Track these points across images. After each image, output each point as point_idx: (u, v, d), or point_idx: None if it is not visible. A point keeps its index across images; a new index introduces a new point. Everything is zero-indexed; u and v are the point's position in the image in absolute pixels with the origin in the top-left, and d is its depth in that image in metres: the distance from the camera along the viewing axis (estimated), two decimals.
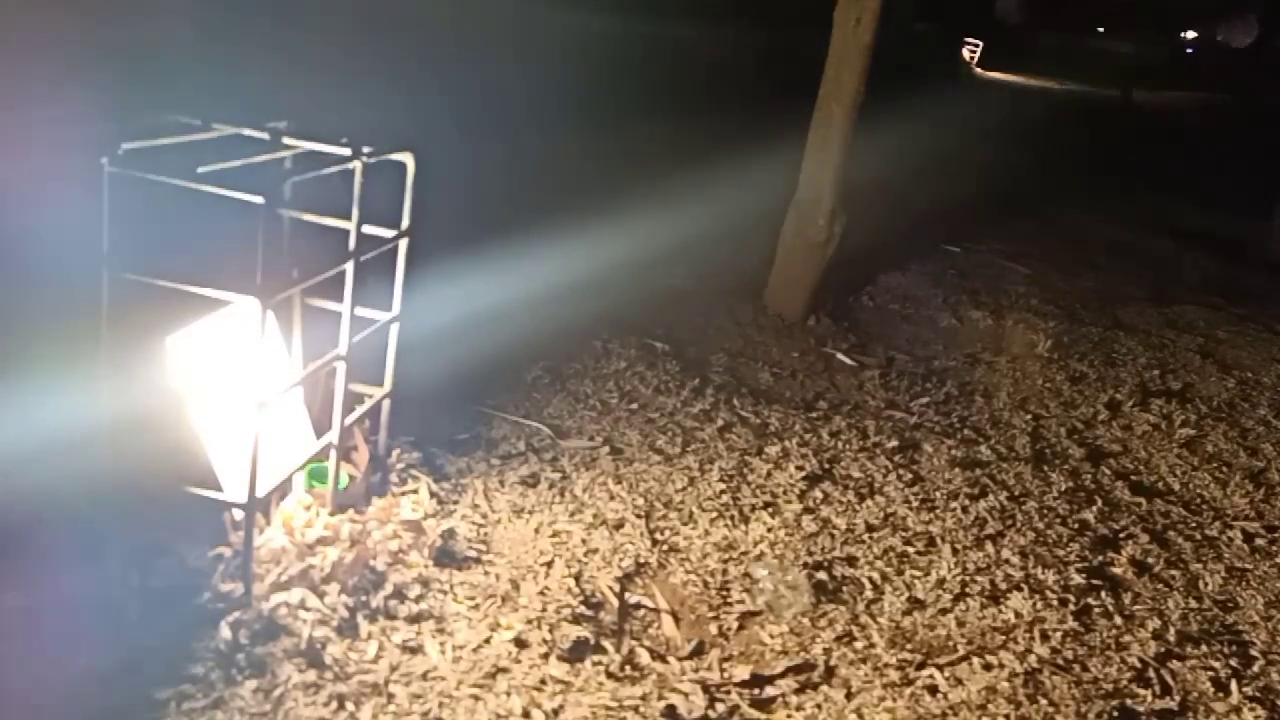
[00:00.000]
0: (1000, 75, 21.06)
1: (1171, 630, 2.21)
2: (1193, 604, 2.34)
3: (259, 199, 1.51)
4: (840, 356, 3.62)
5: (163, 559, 1.70)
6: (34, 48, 1.82)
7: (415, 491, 2.11)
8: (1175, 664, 2.09)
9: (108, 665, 1.49)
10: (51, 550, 1.60)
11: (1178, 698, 1.98)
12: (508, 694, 1.62)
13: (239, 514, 1.74)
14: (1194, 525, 2.76)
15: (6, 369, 1.60)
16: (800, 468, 2.62)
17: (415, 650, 1.68)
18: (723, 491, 2.44)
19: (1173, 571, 2.48)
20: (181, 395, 1.69)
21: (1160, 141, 13.37)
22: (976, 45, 21.64)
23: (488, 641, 1.74)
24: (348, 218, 1.82)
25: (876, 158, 4.70)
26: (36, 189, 1.64)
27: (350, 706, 1.53)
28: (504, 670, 1.68)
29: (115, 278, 1.60)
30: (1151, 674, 2.03)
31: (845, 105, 3.65)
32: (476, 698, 1.60)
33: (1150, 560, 2.51)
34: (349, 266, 1.83)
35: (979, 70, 21.15)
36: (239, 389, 1.67)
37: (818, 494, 2.52)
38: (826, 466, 2.68)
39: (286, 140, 1.82)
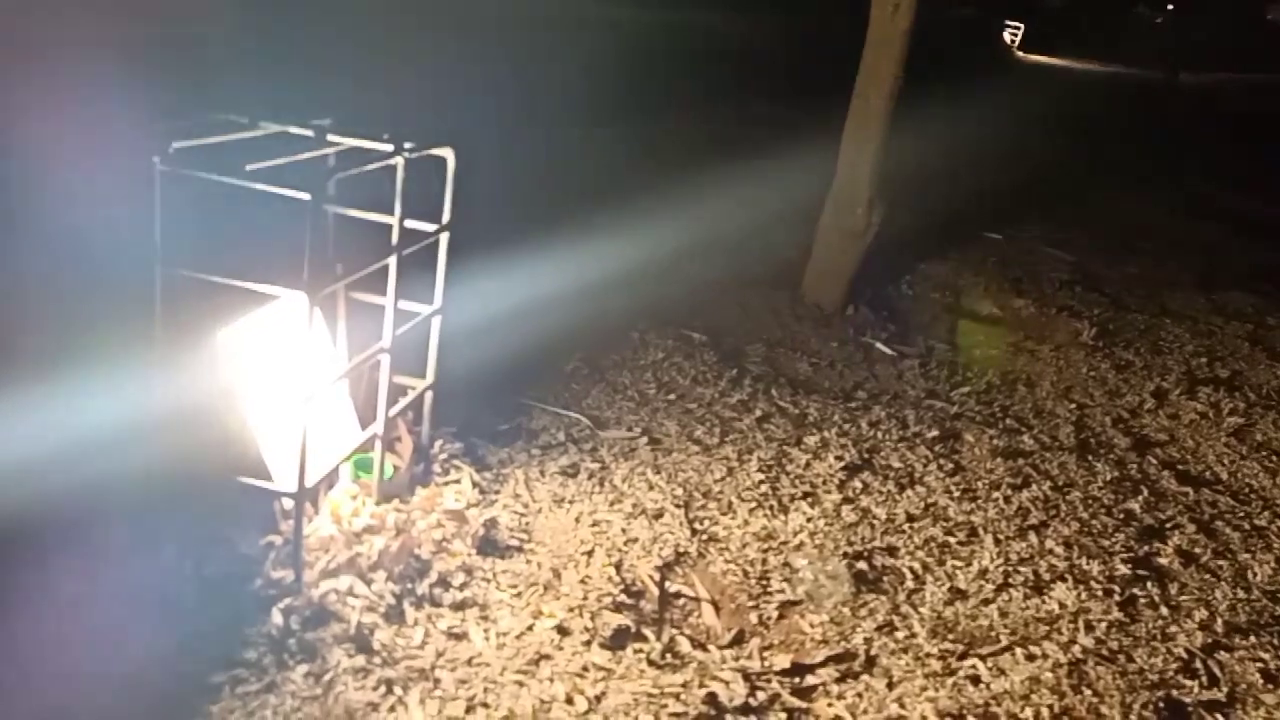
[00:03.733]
0: (1042, 58, 20.71)
1: (1219, 621, 2.18)
2: (1241, 595, 2.31)
3: (305, 195, 1.54)
4: (879, 346, 3.60)
5: (216, 547, 1.74)
6: (86, 50, 1.87)
7: (458, 481, 2.14)
8: (1223, 655, 2.06)
9: (165, 650, 1.54)
10: (110, 540, 1.64)
11: (1225, 689, 1.96)
12: (550, 680, 1.65)
13: (289, 503, 1.78)
14: (1242, 515, 2.72)
15: (65, 364, 1.65)
16: (839, 458, 2.62)
17: (460, 636, 1.72)
18: (761, 481, 2.44)
19: (1220, 562, 2.44)
20: (232, 388, 1.74)
21: (1206, 124, 13.07)
22: (1017, 28, 21.29)
23: (530, 629, 1.77)
24: (390, 213, 1.85)
25: (915, 145, 4.66)
26: (92, 188, 1.68)
27: (398, 691, 1.57)
28: (547, 657, 1.70)
29: (168, 274, 1.65)
30: (1199, 665, 2.01)
31: (883, 92, 3.62)
32: (520, 683, 1.63)
33: (1197, 550, 2.47)
34: (392, 261, 1.86)
35: (1020, 54, 20.82)
36: (288, 382, 1.71)
37: (857, 484, 2.51)
38: (866, 456, 2.67)
39: (330, 137, 1.86)
